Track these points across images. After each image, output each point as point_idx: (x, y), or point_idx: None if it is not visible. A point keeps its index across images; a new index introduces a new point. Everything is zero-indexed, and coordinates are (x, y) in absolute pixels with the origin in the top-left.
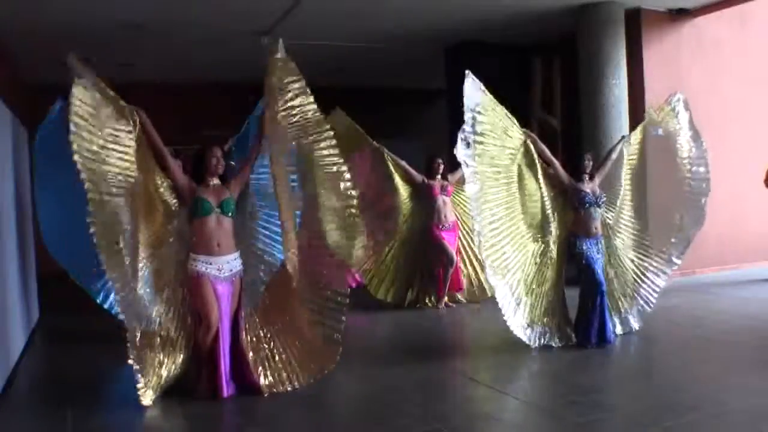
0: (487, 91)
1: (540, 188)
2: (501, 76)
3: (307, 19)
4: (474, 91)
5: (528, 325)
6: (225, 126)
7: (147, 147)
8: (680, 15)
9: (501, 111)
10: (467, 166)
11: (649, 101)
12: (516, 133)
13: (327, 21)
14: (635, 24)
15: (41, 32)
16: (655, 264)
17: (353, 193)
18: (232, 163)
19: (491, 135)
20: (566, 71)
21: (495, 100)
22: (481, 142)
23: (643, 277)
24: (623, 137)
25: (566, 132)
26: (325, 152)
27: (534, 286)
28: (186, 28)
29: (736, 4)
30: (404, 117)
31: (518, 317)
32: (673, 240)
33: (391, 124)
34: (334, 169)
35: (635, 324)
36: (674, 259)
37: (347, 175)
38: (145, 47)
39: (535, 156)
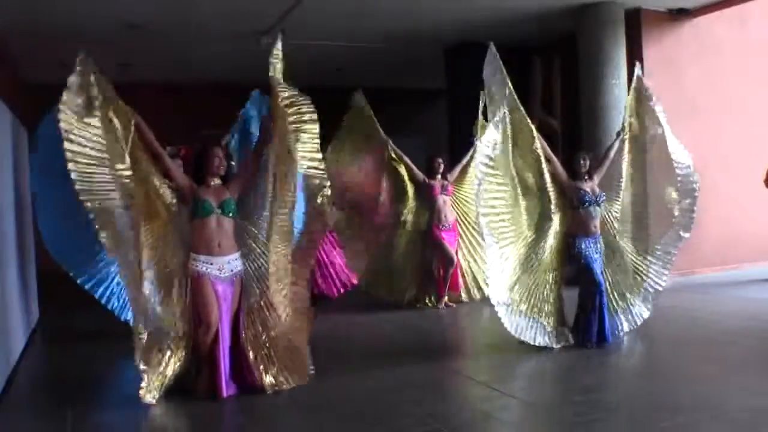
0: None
1: (543, 181)
2: None
3: (308, 19)
4: (494, 64)
5: (515, 312)
6: (225, 126)
7: (143, 149)
8: (680, 15)
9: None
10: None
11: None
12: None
13: (327, 21)
14: (635, 24)
15: (41, 32)
16: (661, 242)
17: (326, 209)
18: (232, 162)
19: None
20: (566, 71)
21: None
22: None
23: (649, 259)
24: (618, 133)
25: (566, 132)
26: (311, 164)
27: (526, 274)
28: (186, 28)
29: (736, 4)
30: (404, 117)
31: (501, 291)
32: (676, 213)
33: (391, 124)
34: (317, 182)
35: (644, 313)
36: (682, 234)
37: (327, 191)
38: (145, 47)
39: (540, 148)
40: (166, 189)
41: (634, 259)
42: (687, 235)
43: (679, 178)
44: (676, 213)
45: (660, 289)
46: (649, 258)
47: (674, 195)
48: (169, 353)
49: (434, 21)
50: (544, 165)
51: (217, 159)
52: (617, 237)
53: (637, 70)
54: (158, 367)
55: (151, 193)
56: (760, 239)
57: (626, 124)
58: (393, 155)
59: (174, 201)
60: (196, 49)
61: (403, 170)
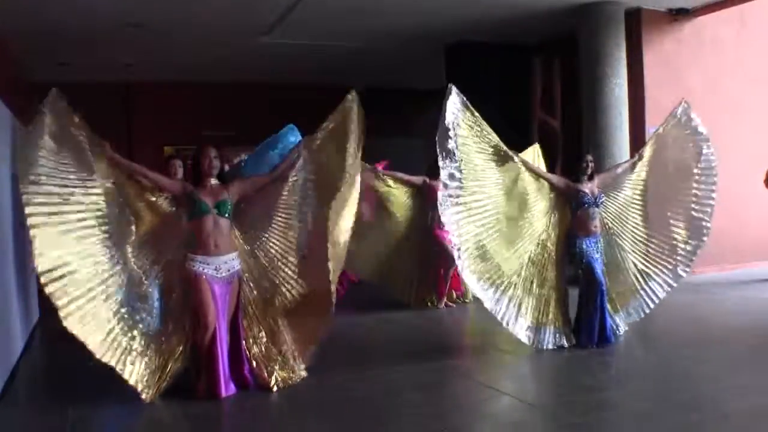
0: (470, 108)
1: (534, 198)
2: (501, 76)
3: (308, 19)
4: (456, 107)
5: (534, 328)
6: (225, 126)
7: (125, 175)
8: (680, 15)
9: (485, 129)
10: (451, 180)
11: (650, 101)
12: (502, 153)
13: (327, 21)
14: (635, 24)
15: (41, 32)
16: (661, 275)
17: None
18: (241, 162)
19: (474, 148)
20: (566, 71)
21: (478, 119)
22: (463, 158)
23: (644, 283)
24: (637, 155)
25: (566, 132)
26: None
27: (535, 288)
28: (186, 28)
29: (736, 4)
30: (404, 117)
31: (520, 322)
32: (680, 252)
33: (391, 124)
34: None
35: (621, 326)
36: (680, 272)
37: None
38: (145, 47)
39: (525, 174)
40: (162, 200)
41: (634, 271)
42: (684, 274)
43: (693, 217)
44: (678, 255)
45: (640, 317)
46: (646, 279)
47: (682, 233)
48: (165, 352)
49: (434, 20)
50: (532, 182)
51: (208, 159)
52: (620, 240)
53: (683, 105)
54: (158, 366)
55: (145, 206)
56: (759, 239)
57: (645, 152)
58: (382, 181)
59: (173, 209)
60: (196, 48)
61: (395, 192)
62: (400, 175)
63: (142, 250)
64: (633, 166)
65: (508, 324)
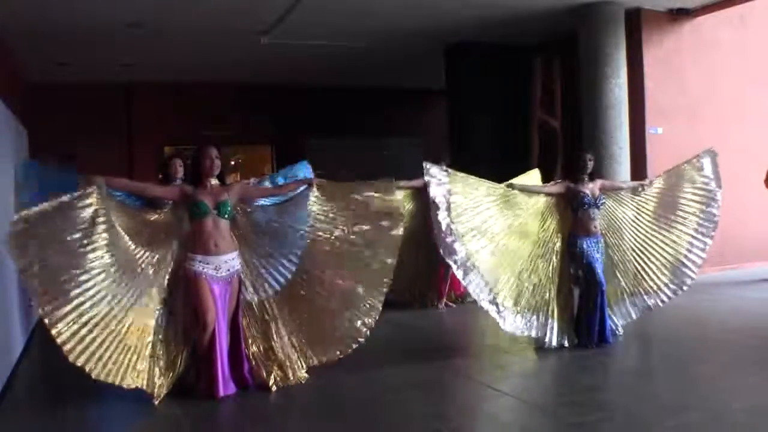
0: (451, 173)
1: (534, 203)
2: (501, 76)
3: (307, 19)
4: (440, 177)
5: (535, 326)
6: (225, 126)
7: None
8: (680, 15)
9: (473, 181)
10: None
11: (650, 101)
12: (496, 191)
13: (327, 21)
14: (635, 24)
15: (41, 32)
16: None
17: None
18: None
19: (468, 210)
20: (566, 71)
21: (463, 176)
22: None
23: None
24: (648, 181)
25: (566, 132)
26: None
27: (536, 288)
28: (186, 28)
29: (736, 4)
30: (404, 117)
31: (522, 320)
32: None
33: (391, 124)
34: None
35: (619, 328)
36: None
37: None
38: (145, 47)
39: (522, 199)
40: (163, 213)
41: (635, 266)
42: (693, 275)
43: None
44: (680, 274)
45: (627, 320)
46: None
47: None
48: (171, 353)
49: (434, 21)
50: (530, 203)
51: (209, 160)
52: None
53: (711, 153)
54: (167, 368)
55: (142, 224)
56: (759, 239)
57: (656, 181)
58: None
59: (175, 215)
60: (196, 48)
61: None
62: (402, 183)
63: (149, 263)
64: (640, 188)
65: (507, 321)
